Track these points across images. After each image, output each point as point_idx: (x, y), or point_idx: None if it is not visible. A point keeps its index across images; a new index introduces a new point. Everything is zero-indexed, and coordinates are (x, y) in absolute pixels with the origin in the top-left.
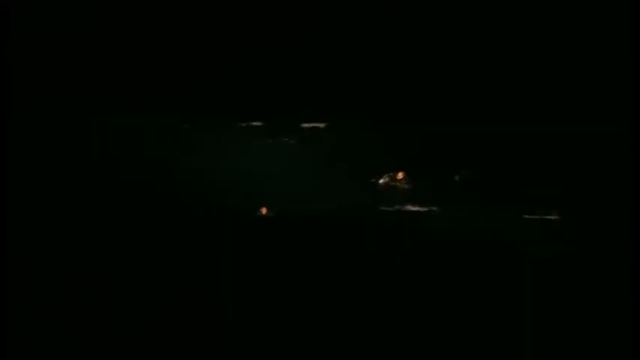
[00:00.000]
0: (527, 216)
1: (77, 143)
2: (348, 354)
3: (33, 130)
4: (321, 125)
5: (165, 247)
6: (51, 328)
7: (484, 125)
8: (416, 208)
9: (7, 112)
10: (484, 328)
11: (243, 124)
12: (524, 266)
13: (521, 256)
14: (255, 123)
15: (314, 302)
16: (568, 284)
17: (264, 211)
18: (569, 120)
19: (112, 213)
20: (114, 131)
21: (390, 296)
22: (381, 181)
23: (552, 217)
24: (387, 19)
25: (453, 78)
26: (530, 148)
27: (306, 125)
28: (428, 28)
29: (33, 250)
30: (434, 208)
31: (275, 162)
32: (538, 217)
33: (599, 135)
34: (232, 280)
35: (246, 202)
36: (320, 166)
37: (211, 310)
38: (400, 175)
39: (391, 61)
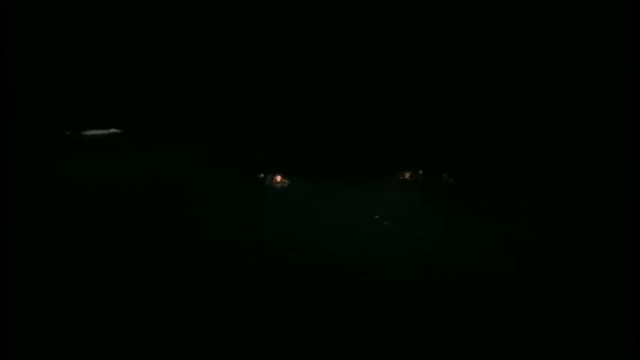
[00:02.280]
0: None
1: (78, 144)
2: None
3: (32, 130)
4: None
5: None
6: (50, 327)
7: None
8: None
9: (7, 112)
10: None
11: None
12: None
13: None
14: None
15: None
16: (568, 283)
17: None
18: (568, 120)
19: (114, 216)
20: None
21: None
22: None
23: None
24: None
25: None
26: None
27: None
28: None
29: (33, 248)
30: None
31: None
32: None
33: (599, 135)
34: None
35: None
36: None
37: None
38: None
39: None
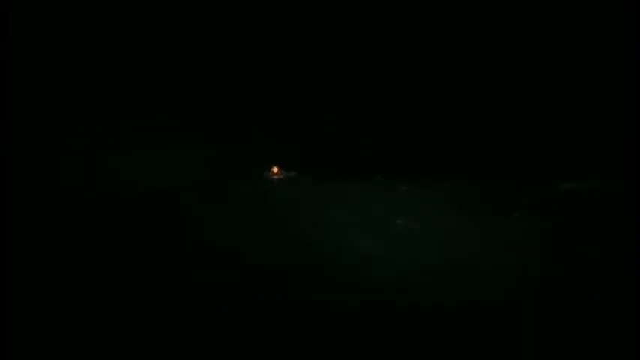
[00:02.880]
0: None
1: (79, 144)
2: None
3: (32, 130)
4: None
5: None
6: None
7: None
8: None
9: (7, 112)
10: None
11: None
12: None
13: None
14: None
15: None
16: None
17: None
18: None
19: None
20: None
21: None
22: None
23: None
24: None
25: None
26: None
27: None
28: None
29: (33, 248)
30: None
31: None
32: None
33: (599, 135)
34: None
35: None
36: None
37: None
38: None
39: None
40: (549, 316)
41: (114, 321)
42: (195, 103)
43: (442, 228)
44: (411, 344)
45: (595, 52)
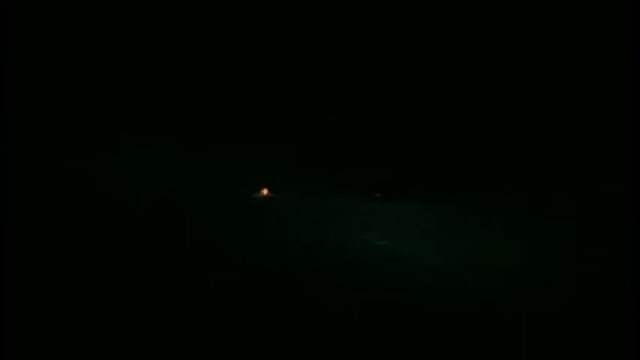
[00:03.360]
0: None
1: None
2: None
3: (32, 130)
4: None
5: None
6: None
7: None
8: None
9: (7, 112)
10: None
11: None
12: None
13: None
14: None
15: None
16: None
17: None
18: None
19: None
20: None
21: None
22: None
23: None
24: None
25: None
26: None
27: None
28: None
29: (33, 249)
30: None
31: None
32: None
33: (599, 135)
34: None
35: None
36: None
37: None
38: None
39: None
40: (549, 316)
41: (114, 321)
42: (195, 103)
43: (442, 228)
44: (411, 344)
45: (595, 52)
